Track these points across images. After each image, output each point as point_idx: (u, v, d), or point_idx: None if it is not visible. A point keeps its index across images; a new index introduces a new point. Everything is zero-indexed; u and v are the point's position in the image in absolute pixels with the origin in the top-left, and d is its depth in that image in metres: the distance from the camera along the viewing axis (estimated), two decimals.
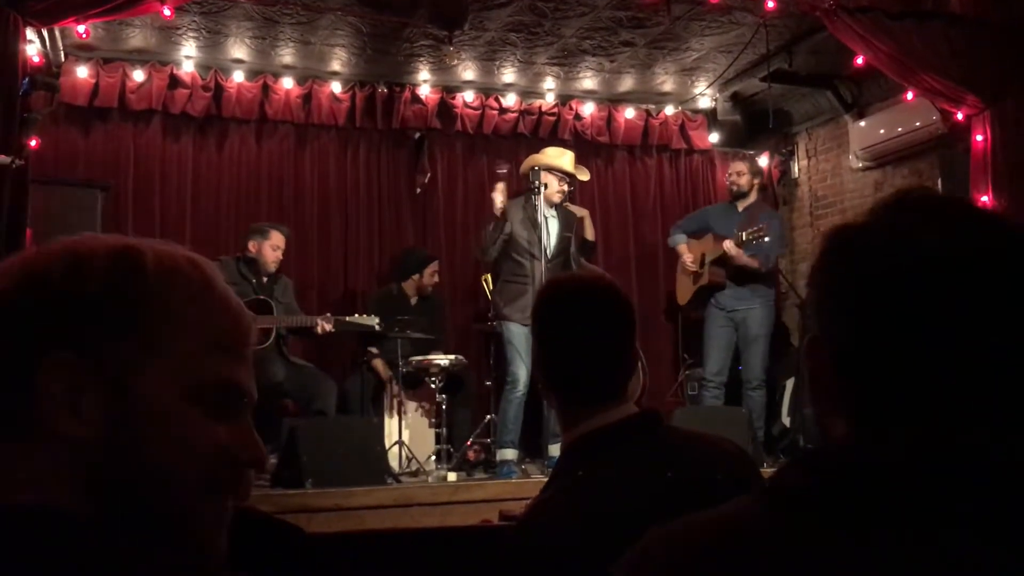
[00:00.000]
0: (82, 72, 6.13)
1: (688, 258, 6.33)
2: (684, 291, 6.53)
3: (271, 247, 5.67)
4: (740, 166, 6.34)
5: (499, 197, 5.53)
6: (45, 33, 5.12)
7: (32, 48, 4.84)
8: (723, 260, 6.05)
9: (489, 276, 6.22)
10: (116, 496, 0.77)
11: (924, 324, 0.77)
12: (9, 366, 0.76)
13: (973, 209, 0.83)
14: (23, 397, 0.76)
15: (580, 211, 6.13)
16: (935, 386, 0.78)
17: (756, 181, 6.31)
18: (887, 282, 0.79)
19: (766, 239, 5.76)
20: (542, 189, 5.46)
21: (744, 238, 5.85)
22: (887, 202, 0.85)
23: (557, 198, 5.66)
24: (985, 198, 5.49)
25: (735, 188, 6.28)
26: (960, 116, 5.54)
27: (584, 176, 6.08)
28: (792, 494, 0.77)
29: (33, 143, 4.43)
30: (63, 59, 6.02)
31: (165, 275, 0.80)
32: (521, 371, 5.40)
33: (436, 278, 6.38)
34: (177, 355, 0.79)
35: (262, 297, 5.58)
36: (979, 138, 5.44)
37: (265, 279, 5.69)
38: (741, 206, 6.24)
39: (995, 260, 0.78)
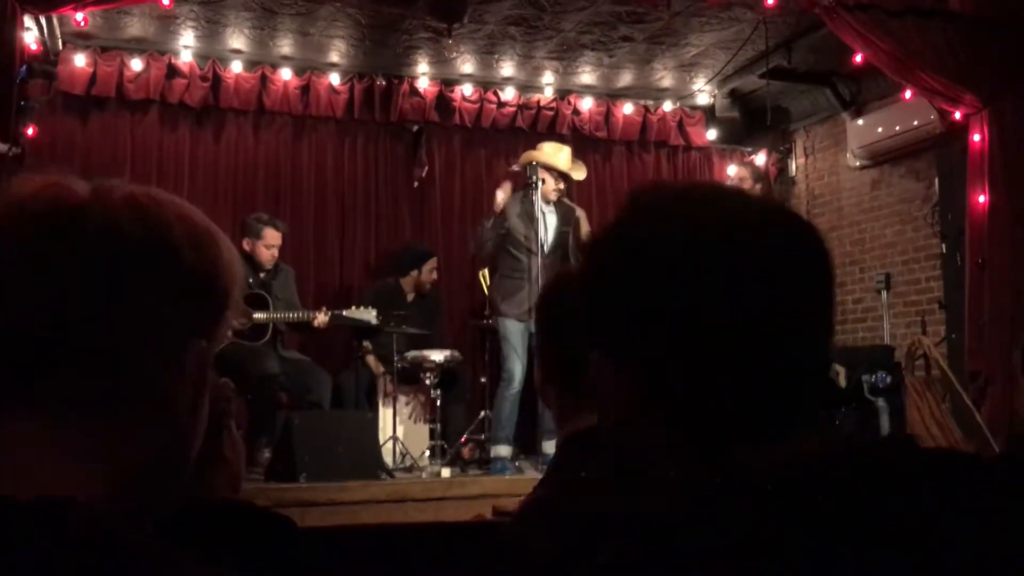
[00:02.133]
0: (80, 61, 6.10)
1: None
2: None
3: (265, 247, 5.60)
4: (743, 172, 6.34)
5: (501, 195, 5.51)
6: (43, 20, 5.10)
7: (29, 35, 4.82)
8: None
9: (486, 271, 6.21)
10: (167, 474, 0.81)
11: (703, 330, 0.75)
12: (153, 343, 0.77)
13: (734, 194, 0.83)
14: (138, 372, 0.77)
15: (577, 210, 6.12)
16: (730, 389, 0.76)
17: (758, 187, 6.32)
18: (666, 290, 0.76)
19: None
20: (539, 184, 5.45)
21: None
22: (628, 206, 0.83)
23: (553, 196, 5.66)
24: (982, 198, 5.50)
25: None
26: (958, 115, 5.54)
27: (580, 175, 6.05)
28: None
29: (30, 131, 4.41)
30: (61, 47, 6.01)
31: (230, 247, 0.85)
32: (516, 367, 5.40)
33: (435, 275, 6.36)
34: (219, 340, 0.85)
35: (259, 292, 5.56)
36: (976, 138, 5.45)
37: (263, 274, 5.65)
38: None
39: (769, 251, 0.77)
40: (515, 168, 5.64)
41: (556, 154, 5.73)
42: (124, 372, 0.75)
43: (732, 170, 6.54)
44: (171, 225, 0.78)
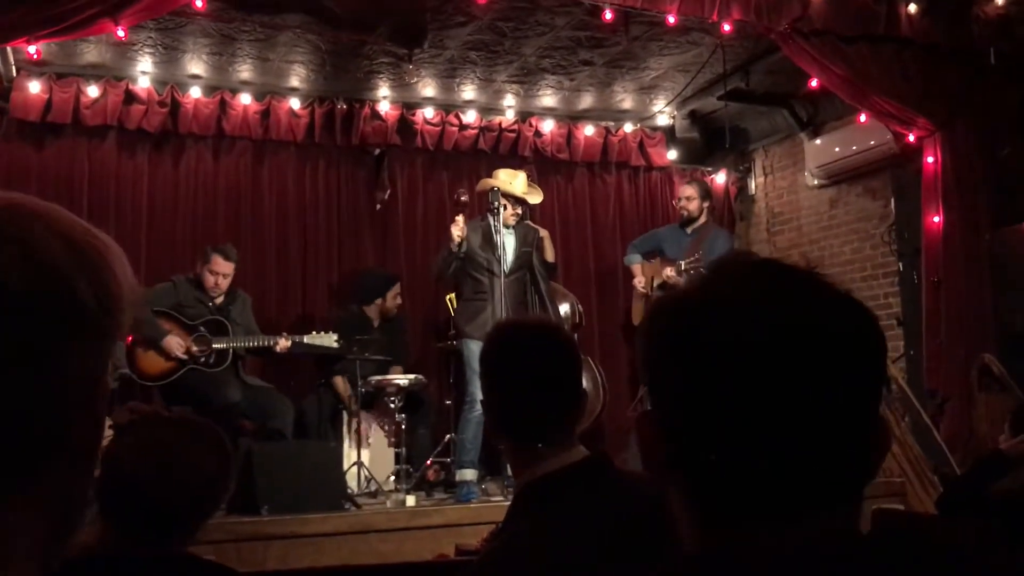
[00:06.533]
0: (34, 87, 6.02)
1: (639, 281, 6.42)
2: (638, 313, 6.61)
3: (209, 271, 5.51)
4: (689, 191, 6.35)
5: (457, 232, 5.52)
6: None
7: None
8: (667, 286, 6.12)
9: (453, 296, 6.21)
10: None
11: (749, 400, 0.77)
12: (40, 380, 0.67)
13: (800, 277, 0.83)
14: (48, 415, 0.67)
15: (541, 231, 6.14)
16: (758, 466, 0.77)
17: (706, 204, 6.36)
18: (714, 355, 0.78)
19: (701, 268, 5.83)
20: (501, 210, 5.47)
21: (683, 267, 5.92)
22: (714, 271, 0.86)
23: (512, 221, 5.67)
24: (936, 218, 5.60)
25: (685, 213, 6.31)
26: (912, 138, 5.65)
27: (536, 199, 6.05)
28: None
29: None
30: (15, 74, 5.94)
31: (124, 262, 0.74)
32: (479, 390, 5.38)
33: (399, 300, 6.34)
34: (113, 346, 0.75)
35: (218, 318, 5.51)
36: (930, 160, 5.56)
37: (220, 299, 5.60)
38: (690, 228, 6.31)
39: (825, 334, 0.78)
40: (464, 199, 5.64)
41: (512, 181, 5.74)
42: (40, 432, 0.67)
43: (682, 189, 6.56)
44: (59, 258, 0.68)
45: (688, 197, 6.31)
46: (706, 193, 6.46)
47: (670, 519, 1.61)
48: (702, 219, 6.33)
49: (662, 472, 0.84)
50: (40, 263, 0.67)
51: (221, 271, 5.54)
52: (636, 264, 6.51)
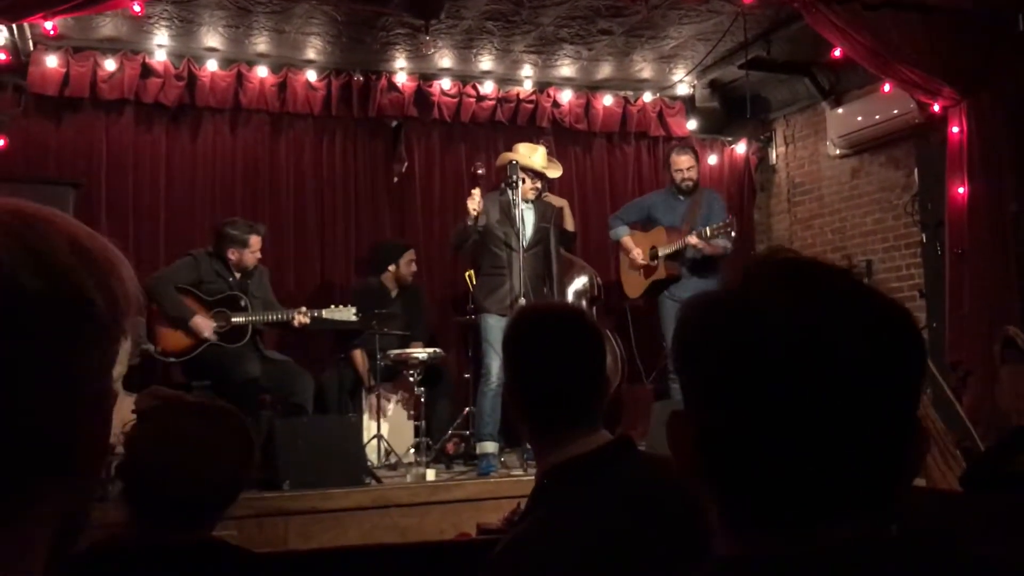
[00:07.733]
0: (51, 61, 6.01)
1: (637, 253, 6.21)
2: (634, 285, 6.35)
3: (251, 253, 5.55)
4: (688, 160, 6.13)
5: (473, 206, 5.48)
6: (14, 25, 5.03)
7: None
8: (679, 253, 6.02)
9: (472, 272, 6.19)
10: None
11: (783, 404, 0.76)
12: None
13: (835, 277, 0.82)
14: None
15: (559, 201, 6.11)
16: (791, 470, 0.77)
17: (698, 167, 6.25)
18: (749, 358, 0.78)
19: (732, 233, 5.75)
20: (519, 184, 5.44)
21: (709, 234, 5.82)
22: (750, 270, 0.84)
23: (531, 195, 5.65)
24: (961, 189, 5.52)
25: (688, 184, 6.15)
26: (936, 107, 5.55)
27: (555, 173, 6.00)
28: None
29: (0, 143, 4.35)
30: (31, 48, 5.93)
31: (128, 266, 0.74)
32: (494, 363, 5.39)
33: (414, 267, 6.34)
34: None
35: (234, 294, 5.51)
36: (955, 129, 5.46)
37: (239, 275, 5.61)
38: (682, 194, 6.19)
39: (854, 337, 0.77)
40: (480, 172, 5.60)
41: (531, 155, 5.71)
42: (55, 437, 0.67)
43: (680, 160, 6.28)
44: (71, 262, 0.68)
45: (689, 167, 6.15)
46: (698, 157, 6.34)
47: (695, 503, 1.59)
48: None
49: (694, 472, 0.83)
50: (54, 267, 0.67)
51: (259, 246, 5.59)
52: (627, 236, 6.31)
